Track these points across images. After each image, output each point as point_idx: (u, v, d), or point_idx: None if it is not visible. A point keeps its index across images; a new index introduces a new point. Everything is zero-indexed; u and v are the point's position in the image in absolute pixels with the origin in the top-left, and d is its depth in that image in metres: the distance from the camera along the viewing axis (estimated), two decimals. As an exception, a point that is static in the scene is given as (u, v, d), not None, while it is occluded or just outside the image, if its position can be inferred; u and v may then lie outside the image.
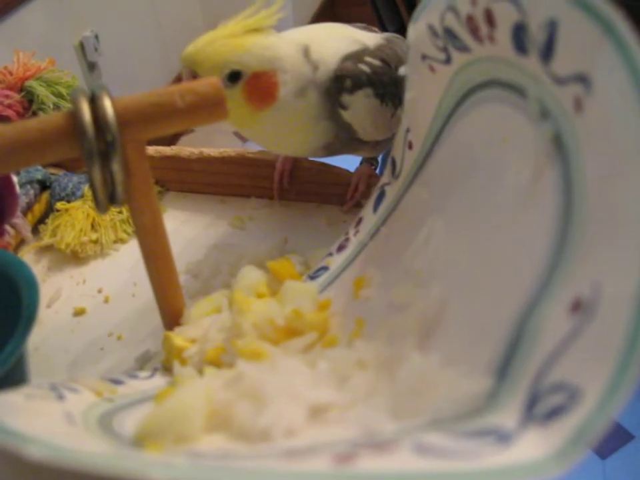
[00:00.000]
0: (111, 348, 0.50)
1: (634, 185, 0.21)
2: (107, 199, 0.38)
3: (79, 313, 0.53)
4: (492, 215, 0.31)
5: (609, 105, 0.23)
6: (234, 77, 0.44)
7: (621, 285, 0.20)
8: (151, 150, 0.62)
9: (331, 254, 0.48)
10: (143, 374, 0.43)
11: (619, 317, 0.19)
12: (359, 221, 0.47)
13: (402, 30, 1.23)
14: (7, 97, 0.63)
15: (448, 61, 0.36)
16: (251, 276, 0.45)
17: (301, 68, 0.46)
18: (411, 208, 0.41)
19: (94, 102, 0.36)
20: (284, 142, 0.51)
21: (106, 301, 0.54)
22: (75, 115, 0.36)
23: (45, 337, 0.51)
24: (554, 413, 0.20)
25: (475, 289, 0.29)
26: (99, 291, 0.55)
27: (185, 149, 0.61)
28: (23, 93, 0.65)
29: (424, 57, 0.39)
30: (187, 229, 0.60)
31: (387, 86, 0.49)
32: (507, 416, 0.22)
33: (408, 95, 0.43)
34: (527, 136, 0.29)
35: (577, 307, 0.22)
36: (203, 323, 0.43)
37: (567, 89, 0.26)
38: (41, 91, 0.64)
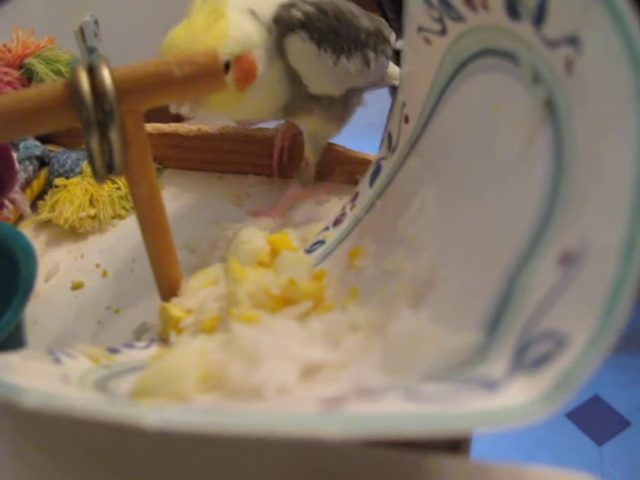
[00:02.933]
0: (108, 321, 0.50)
1: (621, 142, 0.21)
2: (104, 168, 0.38)
3: (77, 287, 0.53)
4: (484, 180, 0.31)
5: (598, 64, 0.23)
6: (226, 67, 0.44)
7: (608, 237, 0.20)
8: (149, 127, 0.62)
9: (327, 228, 0.48)
10: (140, 344, 0.43)
11: (606, 267, 0.20)
12: (355, 196, 0.48)
13: (400, 17, 1.22)
14: (6, 74, 0.64)
15: (443, 31, 0.37)
16: (255, 242, 0.45)
17: (264, 38, 0.47)
18: (406, 180, 0.41)
19: (92, 72, 0.36)
20: (255, 112, 0.51)
21: (104, 275, 0.54)
22: (73, 85, 0.36)
23: (42, 311, 0.51)
24: (542, 361, 0.20)
25: (467, 251, 0.30)
26: (97, 266, 0.55)
27: (183, 125, 0.62)
28: (22, 70, 0.65)
29: (419, 29, 0.39)
30: (185, 205, 0.60)
31: (322, 32, 0.48)
32: (495, 366, 0.23)
33: (404, 70, 0.43)
34: (520, 102, 0.29)
35: (565, 259, 0.22)
36: (199, 294, 0.43)
37: (558, 52, 0.26)
38: (40, 68, 0.65)
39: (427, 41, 0.39)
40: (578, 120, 0.25)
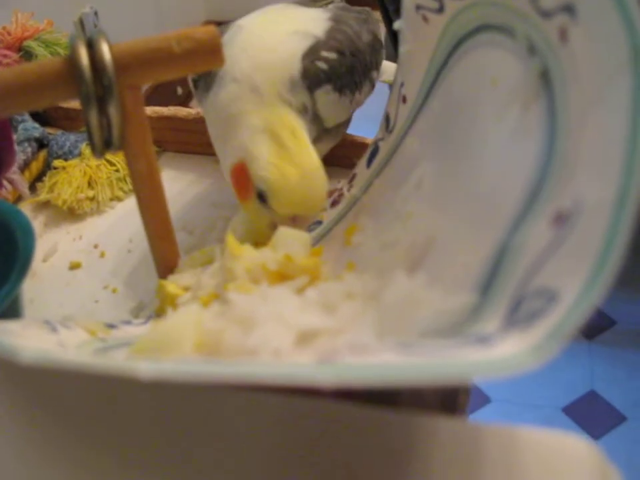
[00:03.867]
0: (105, 300, 0.50)
1: (614, 106, 0.21)
2: (102, 143, 0.38)
3: (75, 266, 0.53)
4: (480, 152, 0.31)
5: (592, 30, 0.23)
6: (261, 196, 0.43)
7: (599, 195, 0.20)
8: (149, 110, 0.62)
9: (324, 209, 0.49)
10: (137, 321, 0.44)
11: (597, 223, 0.20)
12: (353, 177, 0.48)
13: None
14: (5, 56, 0.64)
15: (441, 9, 0.37)
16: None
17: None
18: (404, 158, 0.42)
19: (92, 47, 0.36)
20: None
21: (102, 256, 0.54)
22: (72, 59, 0.36)
23: (40, 290, 0.51)
24: (533, 316, 0.21)
25: (463, 219, 0.30)
26: (95, 247, 0.55)
27: (182, 109, 0.62)
28: (21, 53, 0.65)
29: (418, 8, 0.39)
30: (183, 188, 0.60)
31: (343, 77, 0.48)
32: (488, 324, 0.23)
33: (402, 49, 0.43)
34: (516, 74, 0.30)
35: (558, 219, 0.23)
36: (196, 272, 0.43)
37: (553, 21, 0.26)
38: (39, 51, 0.65)
39: (425, 19, 0.39)
40: (571, 88, 0.25)
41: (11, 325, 0.31)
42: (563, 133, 0.25)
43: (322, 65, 0.47)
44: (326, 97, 0.48)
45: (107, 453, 0.26)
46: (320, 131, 0.50)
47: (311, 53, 0.47)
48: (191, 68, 0.39)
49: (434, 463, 0.24)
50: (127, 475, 0.26)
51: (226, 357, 0.28)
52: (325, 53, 0.47)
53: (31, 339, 0.30)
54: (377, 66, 0.54)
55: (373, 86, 0.54)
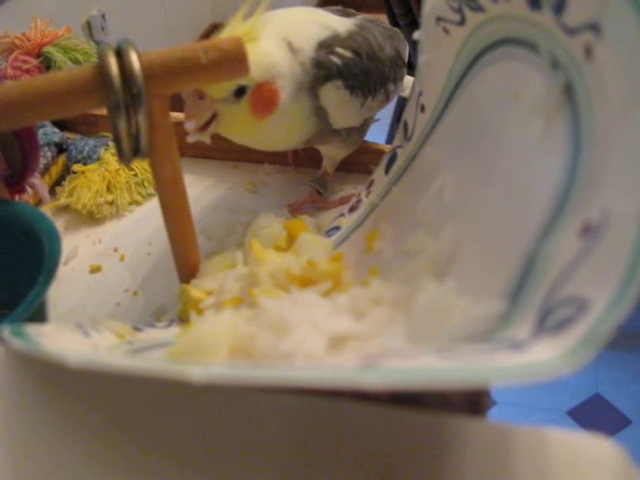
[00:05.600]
0: (127, 303, 0.51)
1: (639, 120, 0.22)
2: (130, 150, 0.39)
3: (95, 270, 0.54)
4: (504, 162, 0.32)
5: (617, 48, 0.24)
6: (240, 92, 0.44)
7: (627, 207, 0.21)
8: (166, 115, 0.63)
9: (342, 214, 0.50)
10: (160, 324, 0.45)
11: (625, 235, 0.21)
12: (371, 183, 0.49)
13: (413, 24, 1.21)
14: (24, 62, 0.65)
15: (462, 22, 0.38)
16: (273, 226, 0.46)
17: (294, 69, 0.47)
18: (423, 166, 0.42)
19: (120, 56, 0.37)
20: (274, 142, 0.52)
21: (121, 259, 0.55)
22: (102, 68, 0.37)
23: (62, 293, 0.52)
24: (564, 324, 0.21)
25: (489, 227, 0.31)
26: (115, 250, 0.56)
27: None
28: (40, 59, 0.66)
29: (438, 19, 0.40)
30: (201, 192, 0.61)
31: (357, 77, 0.49)
32: (519, 330, 0.24)
33: (421, 59, 0.44)
34: (538, 88, 0.30)
35: (586, 230, 0.23)
36: (218, 276, 0.44)
37: (578, 38, 0.27)
38: (58, 56, 0.66)
39: (446, 31, 0.40)
40: (596, 103, 0.26)
41: (44, 328, 0.32)
42: (588, 146, 0.26)
43: (336, 60, 0.48)
44: (336, 92, 0.49)
45: (118, 451, 0.27)
46: (326, 130, 0.51)
47: (327, 45, 0.48)
48: (216, 77, 0.39)
49: (463, 464, 0.24)
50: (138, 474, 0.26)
51: (260, 361, 0.28)
52: (340, 49, 0.48)
53: (64, 342, 0.30)
54: (396, 80, 0.55)
55: (388, 98, 0.55)
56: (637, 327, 1.47)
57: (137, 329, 0.40)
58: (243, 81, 0.44)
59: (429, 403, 0.29)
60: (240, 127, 0.47)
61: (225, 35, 0.43)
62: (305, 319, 0.29)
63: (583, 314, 0.21)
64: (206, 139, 0.48)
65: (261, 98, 0.45)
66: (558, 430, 0.26)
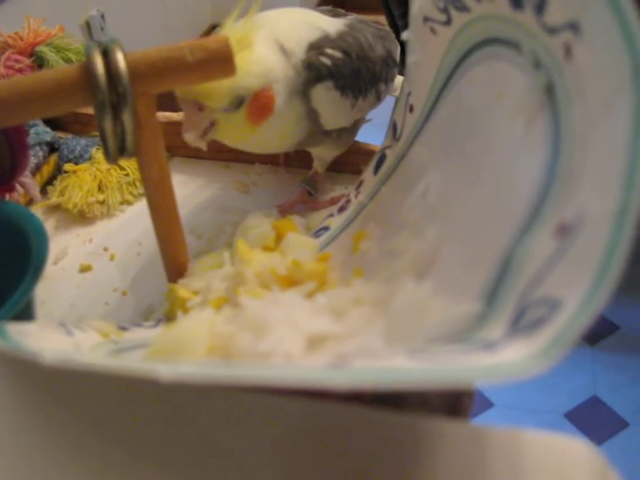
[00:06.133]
0: (115, 303, 0.51)
1: (616, 122, 0.22)
2: (116, 149, 0.39)
3: (85, 269, 0.54)
4: (486, 163, 0.32)
5: (595, 48, 0.24)
6: (239, 101, 0.44)
7: (601, 207, 0.21)
8: (159, 115, 0.63)
9: (332, 215, 0.50)
10: (148, 323, 0.45)
11: (599, 235, 0.21)
12: (360, 184, 0.49)
13: (406, 15, 1.23)
14: (17, 61, 0.65)
15: (448, 22, 0.38)
16: (262, 226, 0.46)
17: (287, 72, 0.47)
18: (411, 167, 0.42)
19: (107, 55, 0.37)
20: (267, 146, 0.52)
21: (111, 258, 0.55)
22: (88, 67, 0.37)
23: (51, 292, 0.52)
24: (537, 324, 0.21)
25: (469, 228, 0.31)
26: (105, 250, 0.56)
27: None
28: (33, 58, 0.66)
29: (425, 20, 0.40)
30: (192, 192, 0.61)
31: (347, 77, 0.49)
32: (493, 331, 0.24)
33: (410, 59, 0.44)
34: (521, 88, 0.30)
35: (561, 230, 0.23)
36: (206, 276, 0.44)
37: (558, 38, 0.27)
38: (50, 56, 0.66)
39: (433, 31, 0.40)
40: (575, 103, 0.26)
41: (27, 327, 0.32)
42: (567, 146, 0.26)
43: (325, 61, 0.48)
44: (326, 93, 0.48)
45: (114, 455, 0.27)
46: (318, 131, 0.51)
47: (317, 46, 0.48)
48: (202, 77, 0.39)
49: (439, 465, 0.24)
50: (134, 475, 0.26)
51: (238, 360, 0.28)
52: (330, 50, 0.48)
53: (47, 341, 0.30)
54: (387, 80, 0.55)
55: (379, 98, 0.55)
56: (635, 329, 1.47)
57: (123, 329, 0.40)
58: (241, 91, 0.44)
59: (409, 405, 0.29)
60: (235, 133, 0.47)
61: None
62: (284, 319, 0.29)
63: (555, 314, 0.21)
64: (202, 145, 0.48)
65: (257, 105, 0.45)
66: (535, 432, 0.25)
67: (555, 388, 1.38)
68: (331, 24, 0.51)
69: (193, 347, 0.29)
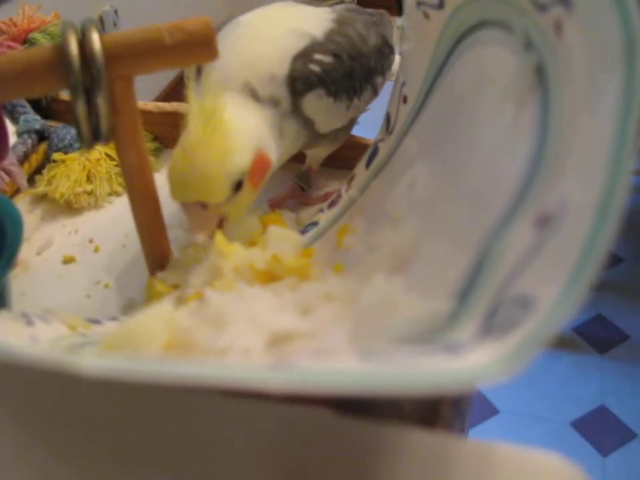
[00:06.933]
0: (97, 296, 0.49)
1: (604, 101, 0.20)
2: (90, 134, 0.37)
3: (68, 261, 0.53)
4: (474, 151, 0.30)
5: (586, 22, 0.22)
6: (239, 184, 0.40)
7: (583, 197, 0.19)
8: (151, 105, 0.62)
9: (322, 210, 0.48)
10: (125, 318, 0.43)
11: (579, 228, 0.19)
12: (352, 178, 0.47)
13: None
14: (9, 47, 0.63)
15: (441, 5, 0.36)
16: (249, 220, 0.44)
17: (268, 119, 0.43)
18: (401, 160, 0.40)
19: (83, 36, 0.36)
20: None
21: (96, 250, 0.54)
22: (62, 48, 0.35)
23: (32, 283, 0.51)
24: (508, 325, 0.19)
25: (449, 223, 0.29)
26: (90, 241, 0.55)
27: (184, 105, 0.61)
28: (26, 45, 0.64)
29: (419, 4, 0.38)
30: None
31: (339, 81, 0.46)
32: (462, 331, 0.22)
33: (404, 47, 0.42)
34: (512, 71, 0.28)
35: (541, 221, 0.21)
36: (186, 269, 0.42)
37: (549, 14, 0.25)
38: (44, 42, 0.64)
39: (426, 15, 0.38)
40: (565, 83, 0.24)
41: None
42: (555, 131, 0.23)
43: (315, 68, 0.45)
44: (318, 101, 0.46)
45: (98, 458, 0.25)
46: (314, 136, 0.49)
47: (304, 55, 0.45)
48: (182, 60, 0.38)
49: (397, 477, 0.22)
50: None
51: (197, 356, 0.27)
52: (319, 56, 0.45)
53: (4, 333, 0.29)
54: (384, 70, 0.52)
55: (376, 92, 0.52)
56: (644, 339, 1.44)
57: (93, 322, 0.38)
58: (238, 175, 0.39)
59: (380, 411, 0.26)
60: (248, 204, 0.43)
61: (189, 133, 0.39)
62: (245, 314, 0.27)
63: (528, 314, 0.19)
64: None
65: (257, 173, 0.42)
66: (508, 446, 0.23)
67: (562, 396, 1.36)
68: (317, 23, 0.48)
69: (147, 341, 0.27)
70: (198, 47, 0.37)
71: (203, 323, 0.28)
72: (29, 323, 0.32)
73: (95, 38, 0.36)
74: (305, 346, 0.25)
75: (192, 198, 0.40)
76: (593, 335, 1.45)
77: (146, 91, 1.99)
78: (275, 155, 0.44)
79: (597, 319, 1.48)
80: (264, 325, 0.27)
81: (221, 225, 0.42)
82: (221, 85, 0.40)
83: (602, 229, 0.18)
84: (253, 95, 0.43)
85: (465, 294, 0.24)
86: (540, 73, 0.26)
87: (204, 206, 0.40)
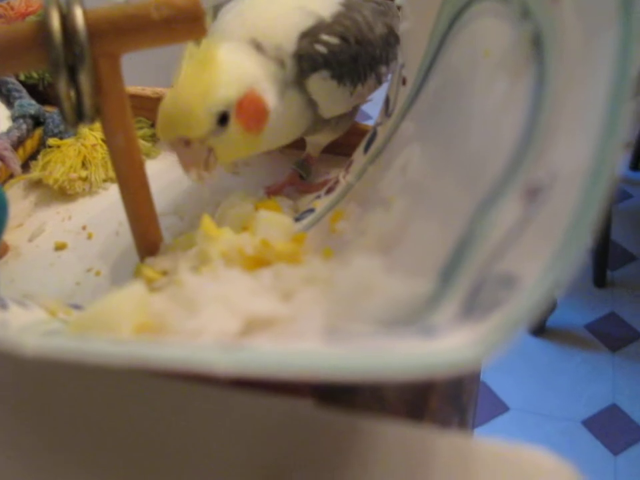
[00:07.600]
0: (87, 283, 0.48)
1: (598, 63, 0.19)
2: (74, 114, 0.36)
3: (60, 247, 0.52)
4: (467, 128, 0.29)
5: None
6: (223, 118, 0.40)
7: (574, 162, 0.17)
8: (149, 91, 0.60)
9: (319, 196, 0.46)
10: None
11: (567, 198, 0.17)
12: (350, 164, 0.46)
13: None
14: (7, 31, 0.62)
15: (439, -21, 0.34)
16: (244, 205, 0.43)
17: (270, 68, 0.43)
18: (397, 143, 0.39)
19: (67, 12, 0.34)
20: (277, 144, 0.48)
21: (89, 237, 0.52)
22: (44, 23, 0.34)
23: (22, 270, 0.50)
24: (491, 306, 0.18)
25: (440, 203, 0.27)
26: (83, 228, 0.53)
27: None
28: (23, 29, 0.63)
29: (417, -20, 0.36)
30: (181, 173, 0.58)
31: (344, 65, 0.45)
32: (442, 313, 0.20)
33: (403, 26, 0.40)
34: (507, 41, 0.27)
35: (530, 192, 0.20)
36: (176, 255, 0.41)
37: None
38: (41, 27, 0.63)
39: (424, -9, 0.36)
40: (560, 53, 0.22)
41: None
42: (548, 101, 0.22)
43: (321, 49, 0.44)
44: (322, 83, 0.45)
45: (91, 452, 0.24)
46: (317, 120, 0.48)
47: (311, 34, 0.44)
48: (170, 37, 0.36)
49: (373, 474, 0.21)
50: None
51: (167, 338, 0.25)
52: (325, 37, 0.44)
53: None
54: (389, 60, 0.50)
55: (380, 81, 0.51)
56: (658, 337, 1.42)
57: (75, 307, 0.37)
58: (219, 107, 0.39)
59: (361, 401, 0.25)
60: (239, 148, 0.43)
61: (181, 73, 0.40)
62: (219, 296, 0.26)
63: (511, 295, 0.17)
64: (212, 176, 0.43)
65: (248, 112, 0.41)
66: (492, 441, 0.22)
67: (573, 394, 1.34)
68: (325, 5, 0.47)
69: (116, 323, 0.26)
70: (186, 22, 0.35)
71: (176, 304, 0.27)
72: (3, 306, 0.31)
73: (79, 13, 0.34)
74: (281, 331, 0.24)
75: (173, 133, 0.40)
76: (605, 333, 1.43)
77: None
78: (273, 102, 0.42)
79: (609, 317, 1.46)
80: (240, 308, 0.25)
81: (208, 160, 0.42)
82: (223, 37, 0.41)
83: (591, 199, 0.16)
84: (258, 47, 0.43)
85: (447, 273, 0.22)
86: (536, 43, 0.24)
87: (187, 142, 0.40)
